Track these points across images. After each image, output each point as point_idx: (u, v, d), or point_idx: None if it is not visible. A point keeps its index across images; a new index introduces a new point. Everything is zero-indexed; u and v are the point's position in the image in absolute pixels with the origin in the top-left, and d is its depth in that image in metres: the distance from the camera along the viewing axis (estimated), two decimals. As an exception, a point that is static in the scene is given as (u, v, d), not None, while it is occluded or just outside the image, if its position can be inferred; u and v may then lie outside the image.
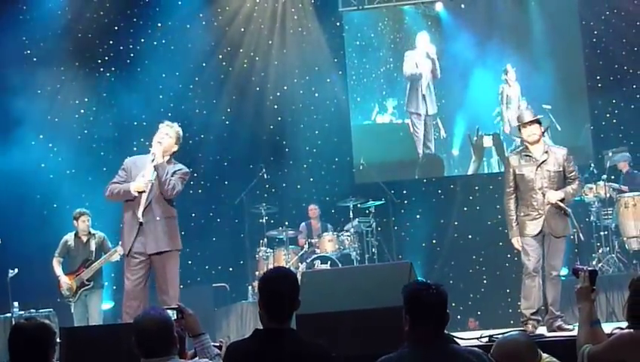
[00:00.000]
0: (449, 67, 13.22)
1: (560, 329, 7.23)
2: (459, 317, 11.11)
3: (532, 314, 7.33)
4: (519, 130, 7.61)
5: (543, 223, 7.37)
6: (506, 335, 4.37)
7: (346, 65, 13.53)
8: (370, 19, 13.65)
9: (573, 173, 7.54)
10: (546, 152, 7.45)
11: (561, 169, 7.44)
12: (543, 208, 7.37)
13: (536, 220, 7.40)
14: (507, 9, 13.12)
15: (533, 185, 7.41)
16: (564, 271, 7.48)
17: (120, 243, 7.66)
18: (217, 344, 4.62)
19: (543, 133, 7.59)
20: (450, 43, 13.25)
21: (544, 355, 4.75)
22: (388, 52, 13.50)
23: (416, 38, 13.35)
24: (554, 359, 4.74)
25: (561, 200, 7.38)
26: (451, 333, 5.01)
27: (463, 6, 13.31)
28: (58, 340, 4.56)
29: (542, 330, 7.33)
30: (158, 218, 7.12)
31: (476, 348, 3.85)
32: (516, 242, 7.55)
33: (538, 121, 7.51)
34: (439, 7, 13.35)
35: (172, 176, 7.16)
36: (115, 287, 10.22)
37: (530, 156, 7.47)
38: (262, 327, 3.84)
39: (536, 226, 7.40)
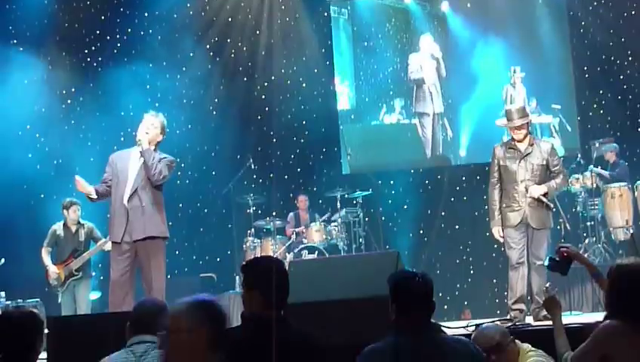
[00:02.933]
0: (455, 67, 13.18)
1: (546, 318, 7.26)
2: (445, 307, 11.15)
3: (514, 303, 7.42)
4: (508, 126, 7.68)
5: (523, 215, 7.43)
6: (480, 327, 4.50)
7: (353, 64, 13.56)
8: (377, 20, 13.57)
9: (558, 167, 7.60)
10: (532, 145, 7.52)
11: (544, 162, 7.51)
12: (524, 200, 7.43)
13: (517, 212, 7.48)
14: (513, 7, 13.04)
15: (515, 178, 7.48)
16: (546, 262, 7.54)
17: (109, 233, 7.65)
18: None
19: (527, 127, 7.61)
20: (457, 43, 13.22)
21: (524, 346, 4.79)
22: (395, 52, 13.47)
23: (419, 41, 13.30)
24: (538, 350, 4.78)
25: (544, 195, 7.44)
26: (439, 322, 5.03)
27: (468, 5, 13.27)
28: (46, 330, 4.55)
29: (529, 320, 7.39)
30: (144, 204, 7.12)
31: (463, 337, 3.88)
32: (496, 232, 7.62)
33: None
34: (445, 7, 13.34)
35: (159, 162, 7.19)
36: (102, 277, 10.19)
37: (514, 149, 7.54)
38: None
39: (516, 217, 7.47)
